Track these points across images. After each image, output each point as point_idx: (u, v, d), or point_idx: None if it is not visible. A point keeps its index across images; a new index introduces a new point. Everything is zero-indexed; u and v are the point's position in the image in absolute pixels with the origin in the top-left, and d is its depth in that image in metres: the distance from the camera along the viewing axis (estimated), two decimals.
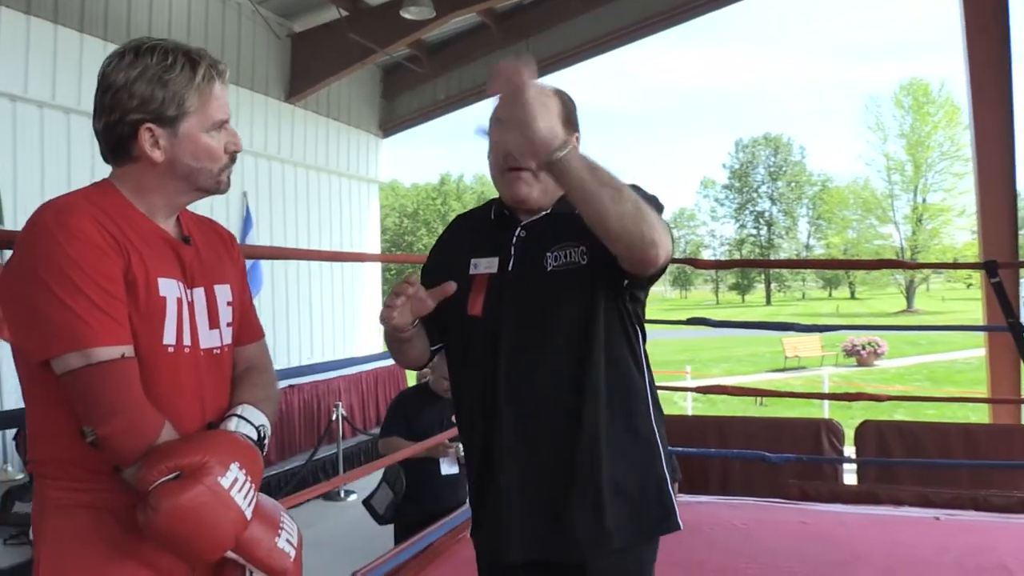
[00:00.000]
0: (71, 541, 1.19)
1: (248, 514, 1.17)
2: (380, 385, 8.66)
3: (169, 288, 1.25)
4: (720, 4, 9.45)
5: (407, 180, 61.80)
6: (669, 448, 1.60)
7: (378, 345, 11.94)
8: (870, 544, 3.04)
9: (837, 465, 4.96)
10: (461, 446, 3.78)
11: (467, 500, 3.85)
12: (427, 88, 11.29)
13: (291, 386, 7.33)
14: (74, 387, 1.15)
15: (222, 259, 1.41)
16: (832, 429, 5.11)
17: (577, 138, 1.54)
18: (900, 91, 43.60)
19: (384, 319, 1.47)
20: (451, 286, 1.47)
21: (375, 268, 11.89)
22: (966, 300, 45.14)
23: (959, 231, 42.06)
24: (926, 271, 43.93)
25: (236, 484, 1.15)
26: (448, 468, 3.72)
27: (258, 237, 8.48)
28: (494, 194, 1.65)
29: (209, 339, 1.32)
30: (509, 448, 1.49)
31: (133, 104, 1.22)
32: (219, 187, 1.32)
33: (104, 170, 1.33)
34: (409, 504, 3.72)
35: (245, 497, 1.16)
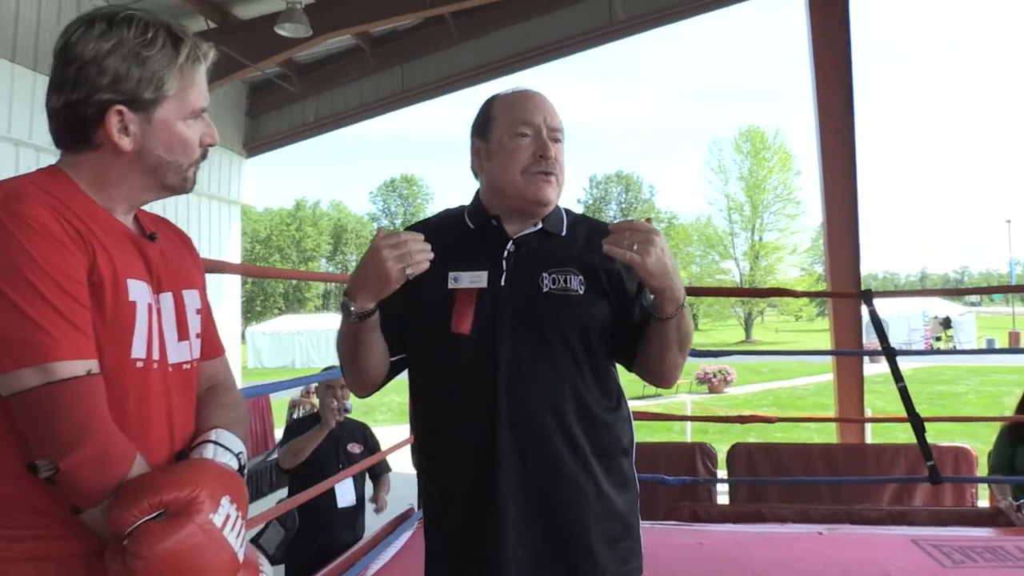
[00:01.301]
0: None
1: (240, 556, 1.01)
2: None
3: (139, 292, 1.07)
4: (579, 47, 9.79)
5: (259, 204, 59.58)
6: None
7: (238, 372, 11.34)
8: (765, 562, 3.15)
9: (711, 486, 5.21)
10: (348, 403, 3.64)
11: (362, 535, 3.71)
12: (296, 108, 10.99)
13: None
14: (28, 410, 0.95)
15: (186, 261, 1.24)
16: (706, 452, 5.37)
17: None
18: (740, 137, 46.94)
19: (400, 261, 1.27)
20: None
21: (234, 293, 11.31)
22: (796, 332, 49.04)
23: (791, 268, 45.66)
24: (762, 304, 47.30)
25: (228, 521, 0.99)
26: (345, 500, 3.53)
27: None
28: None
29: (178, 352, 1.14)
30: (509, 484, 1.37)
31: (103, 82, 1.05)
32: (186, 185, 1.16)
33: None
34: (302, 542, 3.45)
35: (237, 536, 1.01)
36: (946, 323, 28.99)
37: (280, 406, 10.03)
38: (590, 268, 1.45)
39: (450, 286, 1.42)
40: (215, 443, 1.11)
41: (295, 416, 8.41)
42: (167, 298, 1.14)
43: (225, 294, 10.75)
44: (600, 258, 1.41)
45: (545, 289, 1.42)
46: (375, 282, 1.30)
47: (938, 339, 28.38)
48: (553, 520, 1.38)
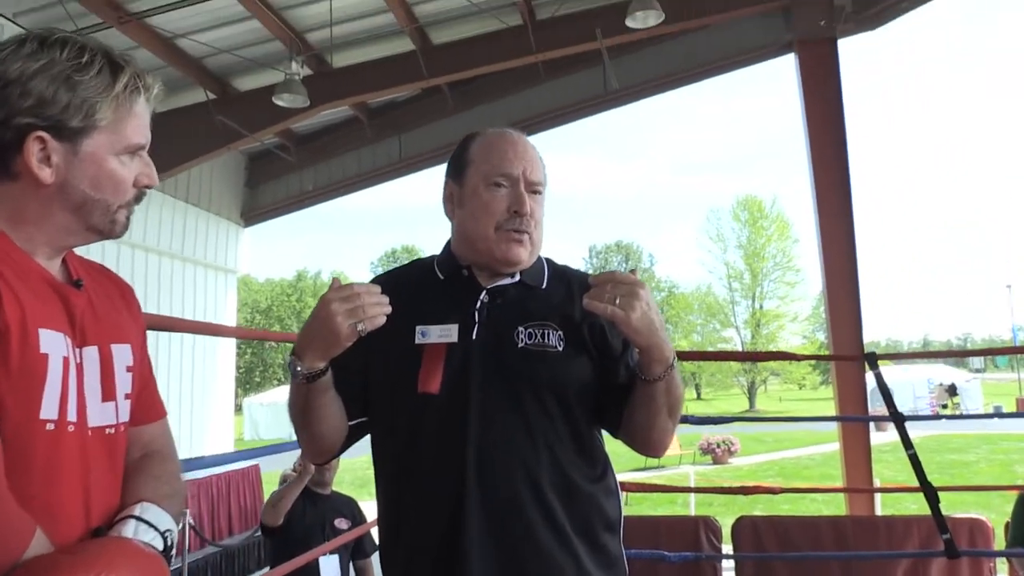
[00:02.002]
0: None
1: None
2: (234, 491, 7.93)
3: (53, 344, 0.94)
4: (575, 116, 9.90)
5: (260, 275, 59.87)
6: None
7: (230, 443, 11.10)
8: None
9: (716, 563, 4.98)
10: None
11: None
12: (293, 178, 11.06)
13: None
14: None
15: (120, 312, 1.11)
16: (710, 526, 5.15)
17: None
18: (737, 206, 47.39)
19: (350, 316, 1.16)
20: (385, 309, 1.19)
21: (229, 362, 11.17)
22: (800, 400, 48.45)
23: (793, 335, 45.47)
24: (765, 372, 46.94)
25: None
26: (329, 572, 3.34)
27: None
28: None
29: (101, 415, 1.01)
30: (477, 563, 1.22)
31: (25, 104, 0.94)
32: (114, 228, 1.05)
33: None
34: None
35: None
36: (951, 390, 28.62)
37: (272, 479, 9.76)
38: (571, 323, 1.34)
39: (417, 341, 1.30)
40: (138, 519, 0.97)
41: None
42: (91, 353, 1.01)
43: (220, 363, 10.62)
44: (582, 312, 1.30)
45: (520, 344, 1.30)
46: (323, 340, 1.18)
47: (944, 406, 27.96)
48: None
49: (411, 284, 1.41)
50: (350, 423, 1.36)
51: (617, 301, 1.18)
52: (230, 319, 11.33)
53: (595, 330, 1.35)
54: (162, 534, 0.98)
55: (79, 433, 0.96)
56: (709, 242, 48.32)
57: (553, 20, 8.10)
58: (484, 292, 1.36)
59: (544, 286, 1.40)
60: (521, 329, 1.31)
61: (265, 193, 11.29)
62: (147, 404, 1.13)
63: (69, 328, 0.98)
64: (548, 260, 1.46)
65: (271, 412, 29.81)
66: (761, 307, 46.47)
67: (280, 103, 7.81)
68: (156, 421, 1.15)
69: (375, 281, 1.44)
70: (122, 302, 1.13)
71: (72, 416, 0.95)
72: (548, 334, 1.31)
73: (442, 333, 1.30)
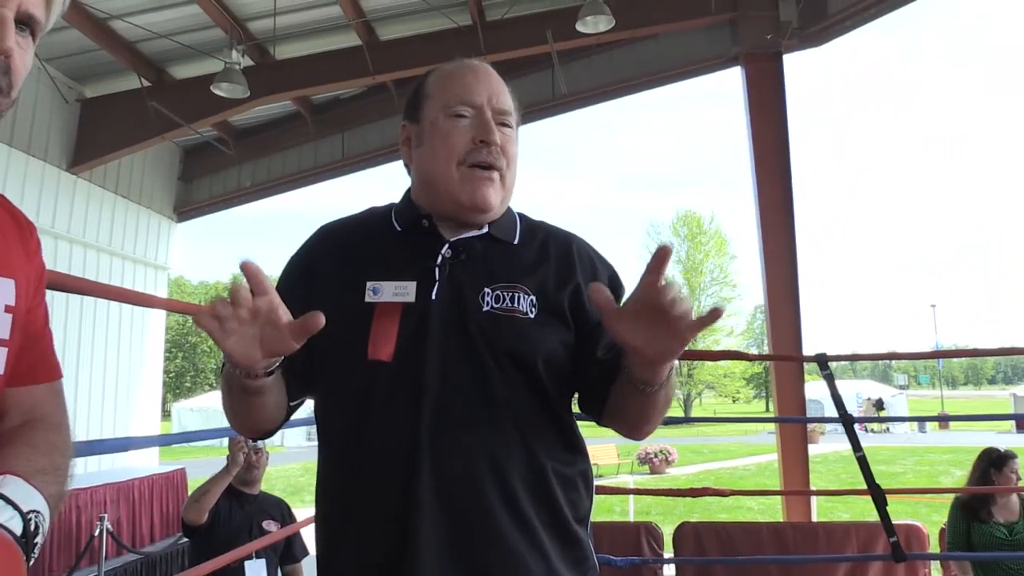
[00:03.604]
0: None
1: None
2: (157, 495, 7.55)
3: None
4: (524, 120, 9.80)
5: (194, 276, 58.29)
6: None
7: (155, 450, 10.61)
8: None
9: (656, 567, 4.95)
10: (256, 442, 3.30)
11: None
12: (231, 173, 10.69)
13: None
14: None
15: (10, 244, 0.92)
16: (651, 532, 5.11)
17: None
18: (677, 221, 48.24)
19: (206, 325, 0.95)
20: (317, 320, 0.96)
21: (156, 364, 10.69)
22: (733, 414, 49.38)
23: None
24: (700, 386, 47.78)
25: None
26: (256, 571, 3.13)
27: None
28: None
29: None
30: (430, 563, 1.04)
31: None
32: None
33: None
34: None
35: None
36: (879, 404, 29.52)
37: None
38: (545, 288, 1.16)
39: (367, 299, 1.12)
40: None
41: None
42: None
43: (148, 365, 10.16)
44: (559, 276, 1.16)
45: (486, 308, 1.12)
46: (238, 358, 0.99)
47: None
48: None
49: (362, 235, 1.23)
50: (291, 403, 1.19)
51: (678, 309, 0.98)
52: (160, 318, 10.86)
53: (576, 299, 1.17)
54: (23, 515, 0.78)
55: None
56: (648, 256, 48.98)
57: (503, 21, 8.02)
58: (446, 246, 1.18)
59: (516, 241, 1.22)
60: (488, 291, 1.13)
61: (200, 188, 10.86)
62: (36, 361, 0.95)
63: None
64: (520, 214, 1.29)
65: (202, 418, 28.85)
66: None
67: (219, 92, 7.51)
68: (46, 383, 0.97)
69: (323, 229, 1.28)
70: (16, 234, 0.94)
71: None
72: (519, 298, 1.14)
73: (397, 291, 1.12)
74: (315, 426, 1.21)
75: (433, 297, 1.12)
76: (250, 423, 1.17)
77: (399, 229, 1.22)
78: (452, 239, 1.19)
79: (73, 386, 8.44)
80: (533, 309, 1.14)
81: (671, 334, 0.97)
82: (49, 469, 0.85)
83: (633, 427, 1.19)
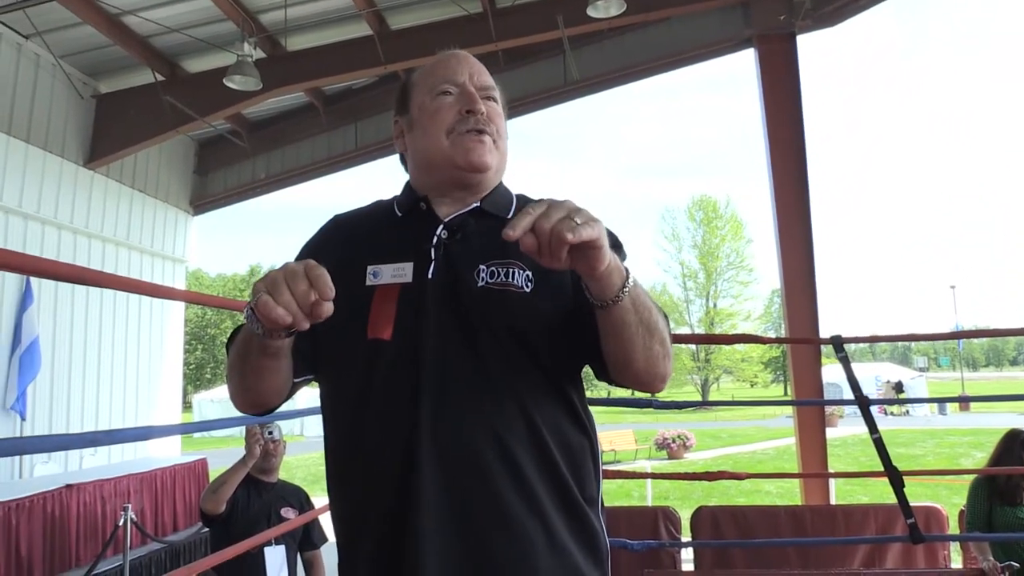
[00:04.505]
0: None
1: None
2: (179, 485, 7.64)
3: None
4: (535, 107, 9.74)
5: (212, 269, 58.63)
6: None
7: (176, 442, 10.74)
8: None
9: (674, 551, 4.94)
10: (275, 430, 3.33)
11: None
12: (245, 166, 10.74)
13: (68, 486, 6.25)
14: None
15: None
16: (669, 516, 5.11)
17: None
18: (692, 206, 47.95)
19: (270, 314, 0.93)
20: (327, 305, 0.95)
21: (176, 356, 10.80)
22: (752, 398, 49.19)
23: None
24: (718, 371, 47.59)
25: None
26: (275, 570, 3.17)
27: (39, 315, 7.40)
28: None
29: None
30: (432, 539, 1.06)
31: None
32: None
33: None
34: None
35: None
36: (899, 387, 29.34)
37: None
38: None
39: (368, 282, 1.16)
40: None
41: None
42: None
43: (168, 357, 10.26)
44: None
45: (480, 283, 1.15)
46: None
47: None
48: None
49: (367, 224, 1.28)
50: (295, 379, 1.22)
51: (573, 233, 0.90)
52: (178, 310, 10.95)
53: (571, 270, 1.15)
54: None
55: None
56: (664, 241, 48.79)
57: (514, 8, 7.98)
58: (441, 226, 1.22)
59: (510, 216, 1.23)
60: (483, 267, 1.16)
61: (215, 180, 10.92)
62: None
63: None
64: (520, 194, 1.32)
65: (222, 409, 29.11)
66: (715, 306, 47.09)
67: (232, 85, 7.53)
68: None
69: (335, 218, 1.34)
70: None
71: None
72: (514, 273, 1.15)
73: (395, 272, 1.16)
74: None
75: (430, 276, 1.16)
76: (255, 393, 1.18)
77: (400, 215, 1.28)
78: (446, 219, 1.22)
79: (95, 379, 8.55)
80: (529, 283, 1.16)
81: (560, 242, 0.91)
82: None
83: (627, 366, 1.12)
